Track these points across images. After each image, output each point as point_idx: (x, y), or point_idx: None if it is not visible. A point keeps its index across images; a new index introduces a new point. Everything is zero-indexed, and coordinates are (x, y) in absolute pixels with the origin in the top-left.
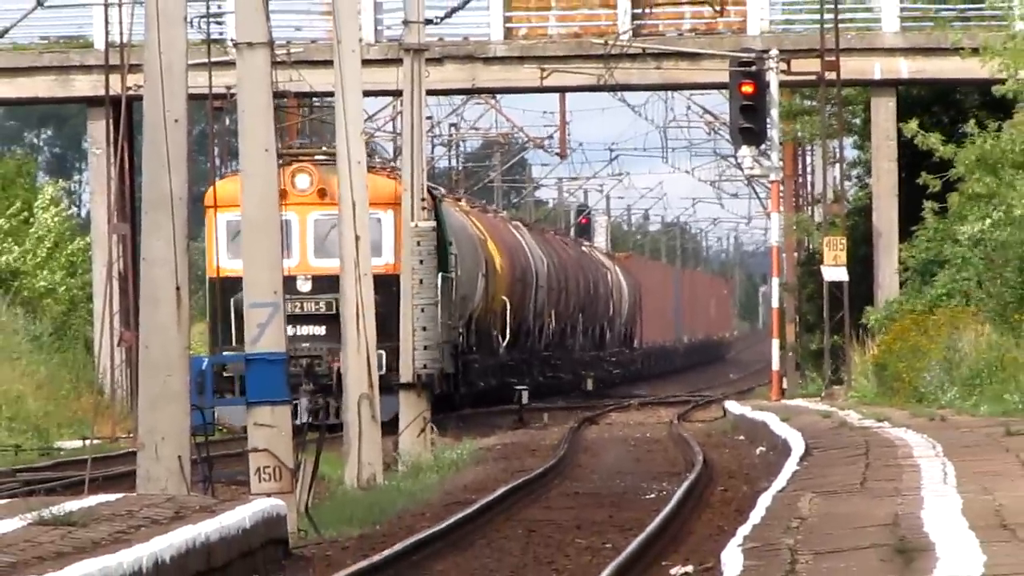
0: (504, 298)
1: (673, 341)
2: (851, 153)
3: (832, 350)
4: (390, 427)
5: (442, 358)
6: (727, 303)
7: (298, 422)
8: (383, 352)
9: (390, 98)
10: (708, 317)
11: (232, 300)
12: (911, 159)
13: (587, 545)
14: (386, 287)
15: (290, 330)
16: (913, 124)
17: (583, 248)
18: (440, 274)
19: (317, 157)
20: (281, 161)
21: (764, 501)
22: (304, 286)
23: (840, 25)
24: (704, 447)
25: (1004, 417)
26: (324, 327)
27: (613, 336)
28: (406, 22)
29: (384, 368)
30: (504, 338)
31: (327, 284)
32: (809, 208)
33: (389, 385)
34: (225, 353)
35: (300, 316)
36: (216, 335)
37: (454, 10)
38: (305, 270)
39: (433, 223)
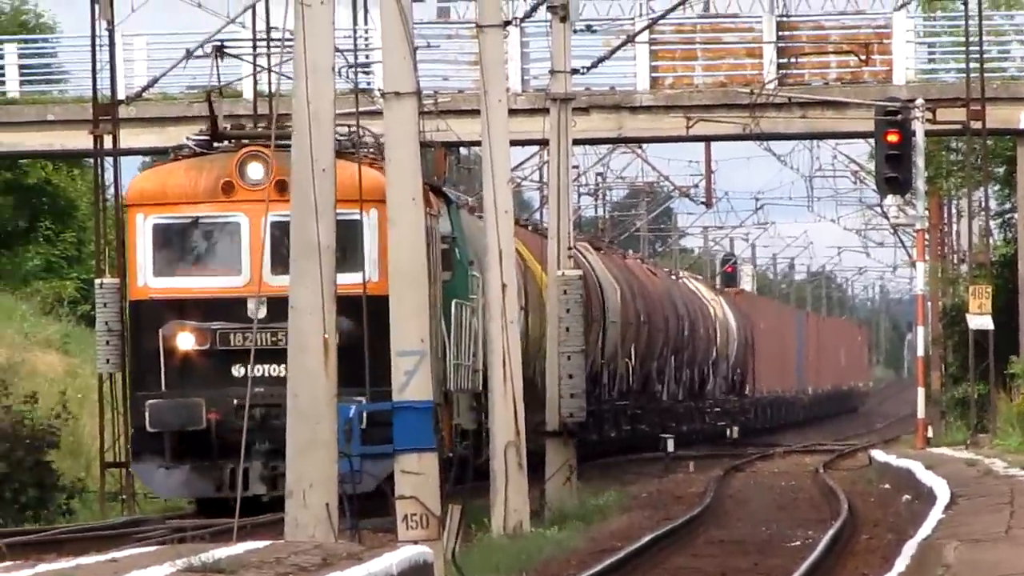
0: None
1: (795, 390)
2: (996, 203)
3: (977, 399)
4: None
5: (456, 411)
6: (861, 351)
7: (249, 493)
8: (362, 399)
9: (536, 147)
10: (838, 365)
11: (160, 333)
12: None
13: None
14: (367, 314)
15: (237, 370)
16: None
17: (680, 279)
18: (453, 301)
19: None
20: (225, 145)
21: (909, 549)
22: (257, 312)
23: (985, 75)
24: (849, 495)
25: None
26: (284, 366)
27: (716, 383)
28: (553, 72)
29: (364, 421)
30: None
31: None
32: (954, 257)
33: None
34: (375, 403)
35: (251, 352)
36: (139, 376)
37: (600, 60)
38: (259, 290)
39: (579, 271)
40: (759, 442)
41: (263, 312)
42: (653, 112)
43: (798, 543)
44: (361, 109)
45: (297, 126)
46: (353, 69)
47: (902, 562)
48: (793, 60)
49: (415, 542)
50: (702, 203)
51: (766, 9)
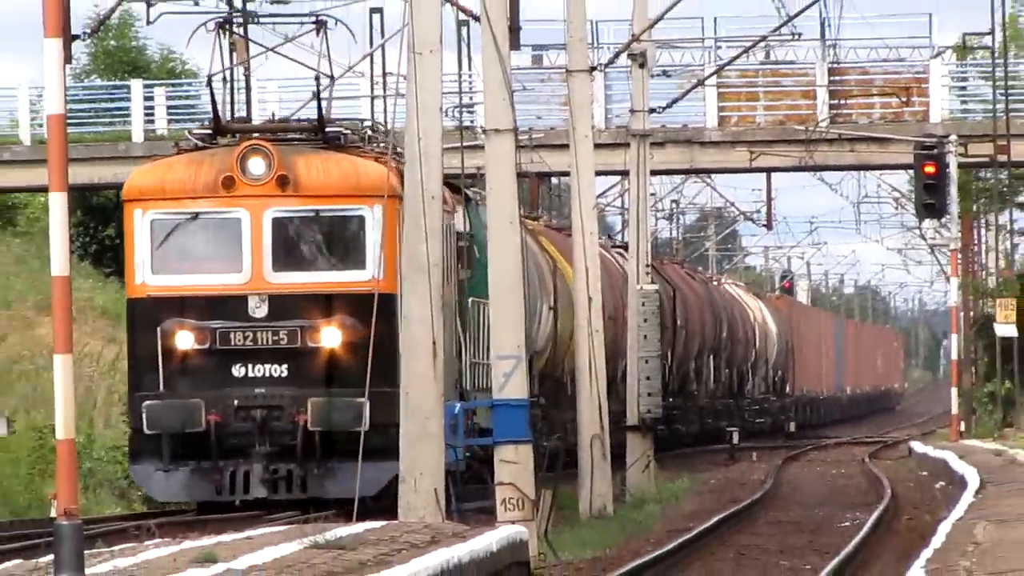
0: None
1: (834, 390)
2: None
3: (1004, 397)
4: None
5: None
6: (897, 355)
7: (249, 496)
8: (365, 400)
9: (618, 177)
10: (875, 368)
11: (159, 331)
12: None
13: (790, 567)
14: (370, 312)
15: (238, 370)
16: None
17: (718, 283)
18: (470, 299)
19: (289, 137)
20: (230, 140)
21: (944, 528)
22: (258, 310)
23: (1011, 114)
24: (891, 481)
25: None
26: (286, 366)
27: (756, 382)
28: (632, 111)
29: (367, 423)
30: None
31: (291, 307)
32: (983, 273)
33: (373, 446)
34: (474, 400)
35: (252, 351)
36: (137, 376)
37: (675, 101)
38: (260, 287)
39: (656, 285)
40: (812, 435)
41: (264, 310)
42: (720, 146)
43: (847, 523)
44: (465, 144)
45: (409, 159)
46: (459, 109)
47: (938, 540)
48: (843, 101)
49: (512, 523)
50: (763, 226)
51: (819, 57)
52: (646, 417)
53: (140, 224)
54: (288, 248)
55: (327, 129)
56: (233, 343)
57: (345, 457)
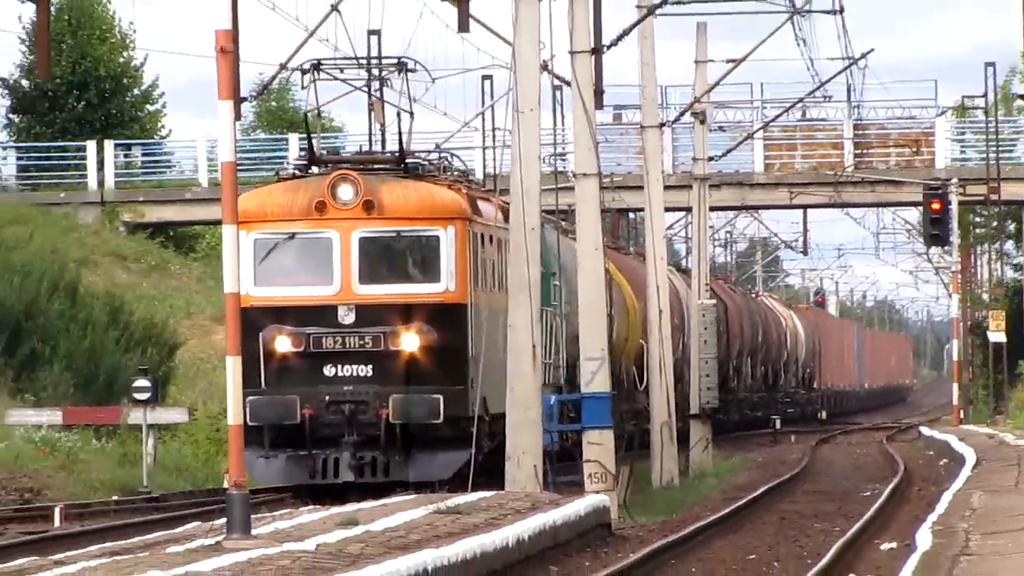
0: (641, 341)
1: (855, 386)
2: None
3: (995, 390)
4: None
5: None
6: (907, 356)
7: (339, 480)
8: (440, 396)
9: (683, 212)
10: (888, 367)
11: (260, 336)
12: None
13: (822, 528)
14: (444, 320)
15: (329, 370)
16: None
17: (755, 295)
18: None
19: (374, 167)
20: (322, 169)
21: (946, 497)
22: (347, 318)
23: (1001, 161)
24: (904, 459)
25: None
26: (371, 367)
27: (788, 378)
28: (694, 159)
29: (441, 416)
30: (641, 382)
31: (375, 315)
32: (980, 290)
33: (446, 436)
34: (568, 394)
35: (341, 354)
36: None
37: (729, 150)
38: (348, 298)
39: (714, 301)
40: (839, 422)
41: (352, 318)
42: (766, 187)
43: (868, 493)
44: (559, 186)
45: (513, 199)
46: (553, 157)
47: (942, 506)
48: (865, 151)
49: (597, 493)
50: (800, 252)
51: (846, 115)
52: (705, 407)
53: (245, 243)
54: (373, 264)
55: (407, 160)
56: (325, 347)
57: (422, 446)
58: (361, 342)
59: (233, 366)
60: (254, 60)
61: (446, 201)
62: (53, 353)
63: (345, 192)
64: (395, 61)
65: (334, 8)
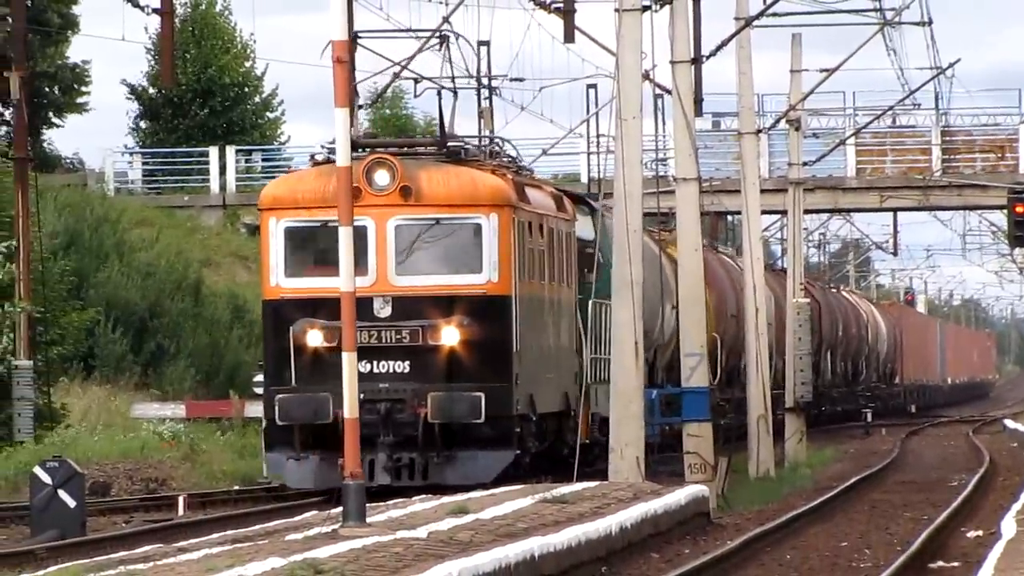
0: (715, 335)
1: (937, 380)
2: None
3: None
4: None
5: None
6: (989, 353)
7: (374, 484)
8: (482, 394)
9: (778, 215)
10: (971, 362)
11: (291, 330)
12: None
13: (911, 516)
14: (486, 312)
15: (363, 366)
16: None
17: (836, 290)
18: (591, 301)
19: (407, 150)
20: (357, 154)
21: None
22: (382, 310)
23: None
24: (990, 451)
25: None
26: (408, 363)
27: (869, 373)
28: (790, 164)
29: (483, 415)
30: (715, 377)
31: (412, 308)
32: None
33: (488, 437)
34: (668, 388)
35: (377, 349)
36: (271, 371)
37: (822, 156)
38: (384, 290)
39: (808, 299)
40: (927, 415)
41: (388, 311)
42: (858, 191)
43: (955, 483)
44: (660, 190)
45: (616, 202)
46: (655, 162)
47: None
48: (952, 156)
49: (696, 483)
50: (891, 253)
51: (934, 121)
52: (800, 400)
53: (275, 231)
54: (410, 253)
55: (448, 144)
56: (359, 341)
57: (463, 447)
58: (398, 336)
59: (349, 362)
60: (367, 70)
61: (489, 187)
62: (178, 350)
63: (381, 177)
64: (437, 34)
65: (445, 20)
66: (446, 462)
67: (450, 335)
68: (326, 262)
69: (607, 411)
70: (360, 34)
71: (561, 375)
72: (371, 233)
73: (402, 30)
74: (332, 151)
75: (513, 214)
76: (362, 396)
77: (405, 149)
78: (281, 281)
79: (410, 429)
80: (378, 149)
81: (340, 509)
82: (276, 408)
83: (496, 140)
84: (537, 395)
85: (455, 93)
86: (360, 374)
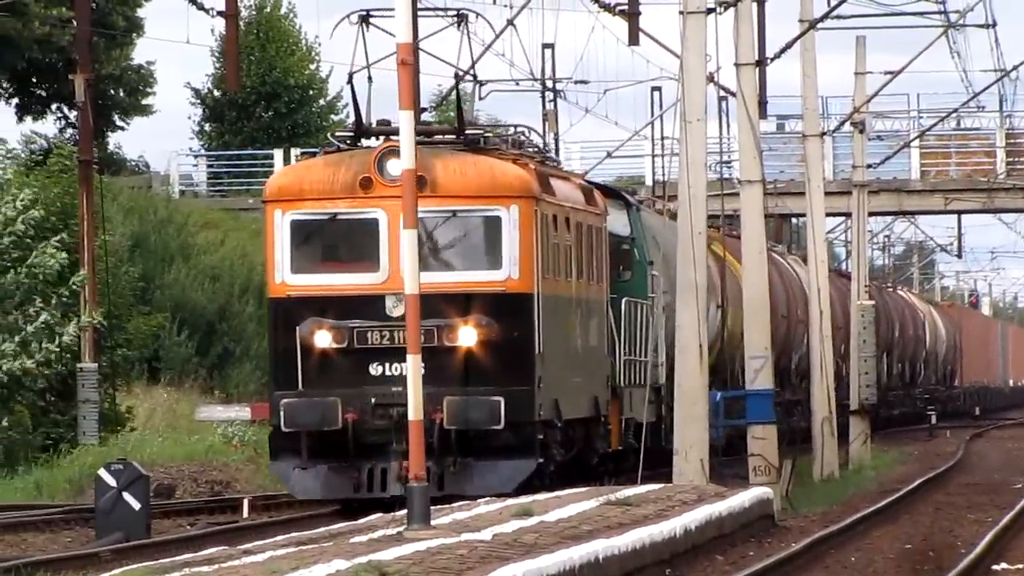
0: None
1: (999, 382)
2: None
3: None
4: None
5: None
6: None
7: (387, 495)
8: (501, 398)
9: (843, 217)
10: None
11: (298, 330)
12: None
13: (975, 519)
14: (506, 311)
15: (375, 369)
16: None
17: (892, 290)
18: (624, 299)
19: (423, 138)
20: (368, 142)
21: None
22: (395, 309)
23: None
24: None
25: None
26: (423, 365)
27: (927, 374)
28: (854, 166)
29: (503, 420)
30: None
31: (427, 306)
32: None
33: (509, 444)
34: (732, 391)
35: (389, 350)
36: (277, 374)
37: (887, 158)
38: (397, 287)
39: (872, 302)
40: (992, 417)
41: (401, 310)
42: (922, 194)
43: (1020, 485)
44: (724, 192)
45: (680, 205)
46: (719, 164)
47: None
48: (1017, 159)
49: (761, 485)
50: (955, 255)
51: (998, 124)
52: (864, 403)
53: (280, 224)
54: (425, 248)
55: (467, 131)
56: (370, 342)
57: (481, 455)
58: None
59: (413, 364)
60: (432, 72)
61: (509, 177)
62: (244, 352)
63: (394, 167)
64: (454, 12)
65: (509, 23)
66: (463, 471)
67: (467, 335)
68: (335, 258)
69: (642, 416)
70: (372, 12)
71: (590, 378)
72: (383, 226)
73: (422, 9)
74: (343, 140)
75: (535, 206)
76: (373, 401)
77: (421, 137)
78: (287, 278)
79: (425, 436)
80: (392, 137)
81: (404, 512)
82: (281, 414)
83: (521, 129)
84: (563, 400)
85: (475, 78)
86: (371, 377)
